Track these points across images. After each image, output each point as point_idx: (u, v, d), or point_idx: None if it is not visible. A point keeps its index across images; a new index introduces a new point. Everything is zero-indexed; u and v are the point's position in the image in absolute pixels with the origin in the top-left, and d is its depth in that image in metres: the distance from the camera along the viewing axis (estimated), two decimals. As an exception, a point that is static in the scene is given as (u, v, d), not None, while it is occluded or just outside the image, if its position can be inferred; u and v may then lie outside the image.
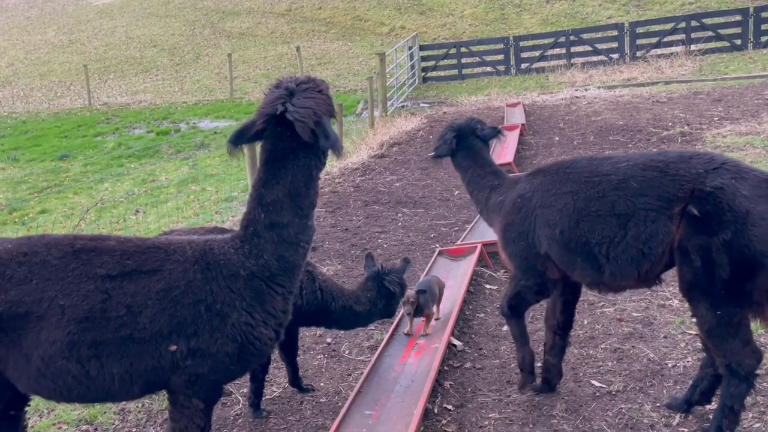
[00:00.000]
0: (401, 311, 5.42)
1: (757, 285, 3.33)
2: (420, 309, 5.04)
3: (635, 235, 3.57)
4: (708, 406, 4.02)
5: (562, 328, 4.24)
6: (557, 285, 4.14)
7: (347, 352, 5.34)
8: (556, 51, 21.99)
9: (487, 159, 4.81)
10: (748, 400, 4.03)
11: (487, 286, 6.39)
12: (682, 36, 20.65)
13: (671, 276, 5.90)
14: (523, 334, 4.37)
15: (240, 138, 3.04)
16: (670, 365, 4.55)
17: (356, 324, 4.67)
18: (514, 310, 4.28)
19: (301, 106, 2.91)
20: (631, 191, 3.60)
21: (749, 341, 3.46)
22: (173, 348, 2.94)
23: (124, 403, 4.66)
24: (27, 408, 3.44)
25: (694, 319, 3.75)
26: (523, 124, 12.89)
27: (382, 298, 4.56)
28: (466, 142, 4.83)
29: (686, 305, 5.31)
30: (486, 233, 7.46)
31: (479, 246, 6.69)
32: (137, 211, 11.00)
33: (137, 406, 4.65)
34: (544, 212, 3.94)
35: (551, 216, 3.89)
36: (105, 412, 4.55)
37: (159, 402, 4.63)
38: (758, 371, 3.55)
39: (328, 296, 4.36)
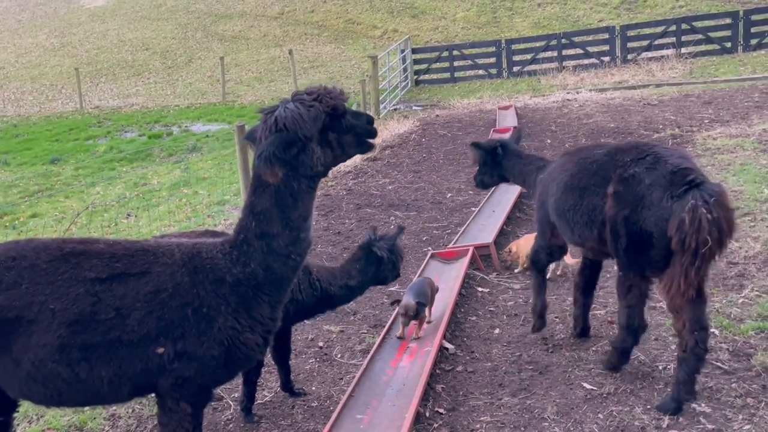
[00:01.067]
0: (394, 314, 5.42)
1: (648, 258, 4.08)
2: (415, 314, 5.05)
3: (587, 204, 4.39)
4: (698, 408, 4.04)
5: (582, 287, 5.04)
6: (564, 250, 5.19)
7: (339, 355, 5.33)
8: (548, 54, 22.05)
9: (527, 153, 5.92)
10: (738, 401, 4.06)
11: (479, 289, 6.40)
12: (673, 39, 20.75)
13: (662, 278, 5.92)
14: (540, 286, 5.20)
15: (249, 137, 3.07)
16: (660, 367, 4.57)
17: (353, 298, 4.69)
18: (535, 265, 5.22)
19: (276, 114, 2.88)
20: (592, 171, 4.42)
21: (633, 306, 4.28)
22: (160, 350, 2.93)
23: (114, 408, 4.64)
24: (15, 414, 3.42)
25: None
26: (515, 127, 12.92)
27: (371, 264, 4.54)
28: (506, 149, 5.65)
29: (677, 307, 5.35)
30: (478, 236, 7.48)
31: (471, 249, 6.70)
32: (129, 215, 10.95)
33: (127, 412, 4.62)
34: (551, 186, 4.82)
35: (553, 189, 4.76)
36: (95, 418, 4.53)
37: (149, 407, 4.61)
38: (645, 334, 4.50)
39: (326, 284, 4.37)
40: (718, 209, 3.74)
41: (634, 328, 4.34)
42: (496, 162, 5.62)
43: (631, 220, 4.04)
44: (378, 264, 4.56)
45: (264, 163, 2.81)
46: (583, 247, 4.79)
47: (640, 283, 4.21)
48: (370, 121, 3.08)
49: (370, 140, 3.09)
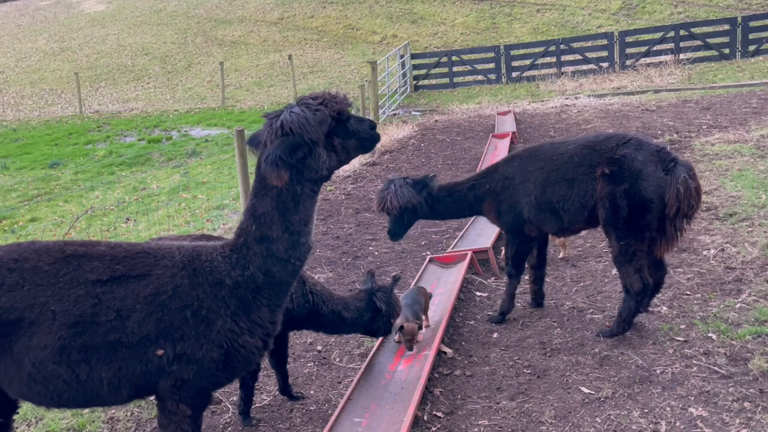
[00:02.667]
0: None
1: (647, 223, 4.74)
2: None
3: (579, 191, 4.95)
4: (695, 412, 4.05)
5: (537, 265, 5.67)
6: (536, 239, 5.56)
7: (337, 359, 5.34)
8: (547, 60, 22.12)
9: (446, 184, 5.84)
10: (735, 405, 4.07)
11: (478, 294, 6.41)
12: (671, 45, 20.83)
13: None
14: (513, 294, 5.65)
15: (251, 142, 3.10)
16: (658, 371, 4.58)
17: (341, 329, 4.64)
18: (518, 270, 5.53)
19: (281, 118, 2.91)
20: (575, 163, 4.98)
21: (641, 269, 4.83)
22: (160, 352, 2.94)
23: (112, 411, 4.64)
24: (15, 416, 3.43)
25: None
26: (513, 132, 12.95)
27: (368, 311, 4.54)
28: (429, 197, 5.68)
29: (675, 312, 5.38)
30: (476, 241, 7.50)
31: (470, 253, 6.71)
32: (128, 219, 10.96)
33: (126, 415, 4.63)
34: (520, 189, 5.24)
35: (528, 189, 5.18)
36: (94, 421, 4.53)
37: (148, 410, 4.62)
38: (645, 296, 4.96)
39: (319, 300, 4.36)
40: (696, 180, 4.74)
41: (643, 290, 4.86)
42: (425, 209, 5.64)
43: (632, 191, 4.71)
44: (375, 313, 4.56)
45: (270, 167, 2.83)
46: (568, 231, 5.33)
47: (641, 246, 4.81)
48: (372, 126, 3.13)
49: (373, 143, 3.15)
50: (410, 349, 5.00)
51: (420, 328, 5.09)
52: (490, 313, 5.89)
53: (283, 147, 2.85)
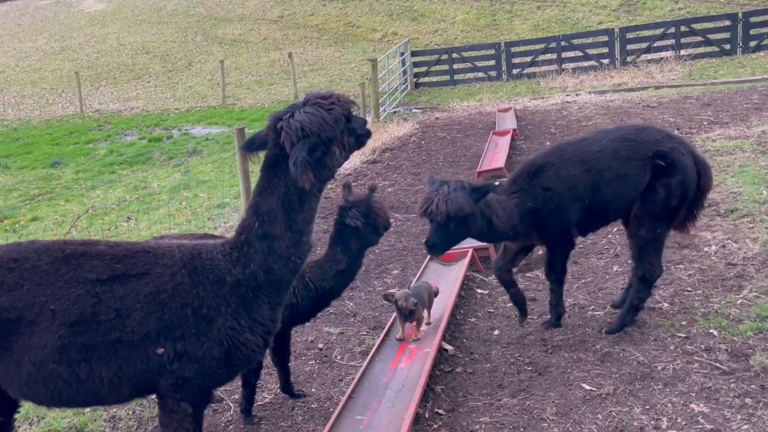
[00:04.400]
0: (393, 316, 5.43)
1: (684, 209, 5.08)
2: (410, 313, 5.04)
3: (631, 184, 4.97)
4: (696, 408, 4.05)
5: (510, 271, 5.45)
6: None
7: (339, 357, 5.34)
8: (548, 56, 22.08)
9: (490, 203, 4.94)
10: (737, 401, 4.07)
11: (479, 291, 6.41)
12: (672, 41, 20.79)
13: (660, 280, 5.95)
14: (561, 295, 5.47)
15: (248, 147, 3.08)
16: (659, 368, 4.57)
17: (351, 278, 4.50)
18: (564, 274, 5.34)
19: (298, 119, 2.91)
20: (624, 157, 4.97)
21: (660, 259, 5.09)
22: (160, 351, 2.95)
23: (114, 410, 4.65)
24: (16, 415, 3.44)
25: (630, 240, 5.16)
26: (514, 130, 12.94)
27: (351, 237, 4.38)
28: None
29: (676, 308, 5.37)
30: (477, 238, 7.48)
31: (470, 251, 6.71)
32: (129, 218, 10.97)
33: (128, 413, 4.63)
34: (567, 194, 4.97)
35: (578, 193, 4.97)
36: (95, 420, 4.54)
37: (150, 409, 4.62)
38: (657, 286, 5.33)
39: (319, 282, 4.32)
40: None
41: (655, 278, 5.10)
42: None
43: (684, 181, 4.94)
44: (357, 234, 4.37)
45: (300, 170, 2.85)
46: (598, 228, 5.46)
47: (668, 233, 5.15)
48: (365, 122, 3.26)
49: (367, 140, 3.26)
50: (403, 320, 5.04)
51: (414, 312, 5.05)
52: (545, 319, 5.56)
53: (308, 148, 2.89)
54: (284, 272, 3.09)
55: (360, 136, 3.18)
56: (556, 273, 5.26)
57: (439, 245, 4.68)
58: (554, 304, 5.37)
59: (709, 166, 5.23)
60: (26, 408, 4.59)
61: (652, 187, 4.93)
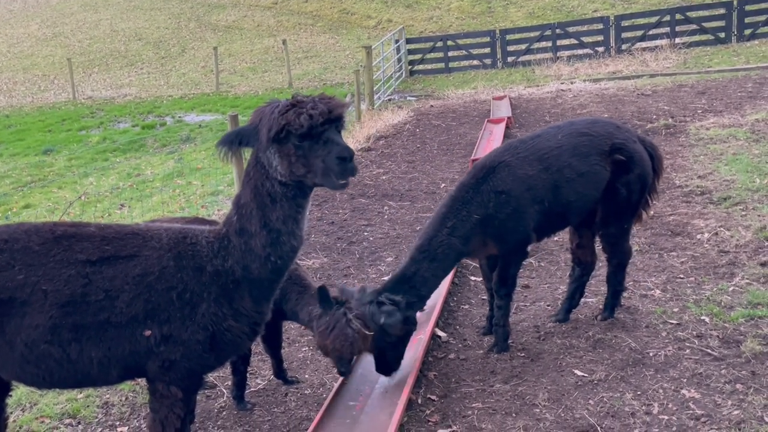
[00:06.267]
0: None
1: (643, 199, 5.02)
2: None
3: (593, 180, 4.81)
4: (687, 393, 4.07)
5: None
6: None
7: (332, 344, 5.34)
8: (543, 44, 22.01)
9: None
10: (728, 387, 4.10)
11: (472, 278, 6.42)
12: (667, 29, 20.74)
13: (652, 267, 5.97)
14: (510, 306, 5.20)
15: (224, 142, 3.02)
16: (651, 354, 4.60)
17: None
18: (513, 286, 5.03)
19: (264, 108, 2.89)
20: (583, 153, 4.80)
21: (629, 241, 5.14)
22: (147, 333, 2.95)
23: (107, 396, 4.65)
24: (8, 399, 3.44)
25: (600, 240, 5.11)
26: (509, 117, 12.93)
27: None
28: None
29: (668, 295, 5.39)
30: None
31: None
32: (122, 206, 10.92)
33: (120, 400, 4.63)
34: (526, 196, 4.71)
35: (537, 194, 4.72)
36: (88, 406, 4.54)
37: (143, 395, 4.62)
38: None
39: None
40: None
41: (628, 260, 5.16)
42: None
43: (642, 173, 4.87)
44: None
45: (217, 147, 2.94)
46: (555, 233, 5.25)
47: (633, 221, 5.15)
48: (341, 156, 2.74)
49: (338, 179, 2.79)
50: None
51: None
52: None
53: (237, 131, 2.93)
54: (263, 272, 2.99)
55: (327, 169, 2.76)
56: (507, 286, 4.82)
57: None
58: (501, 324, 4.87)
59: (657, 145, 5.21)
60: (19, 394, 4.59)
61: (614, 187, 4.81)
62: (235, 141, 2.91)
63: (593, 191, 4.80)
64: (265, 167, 2.90)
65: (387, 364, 4.37)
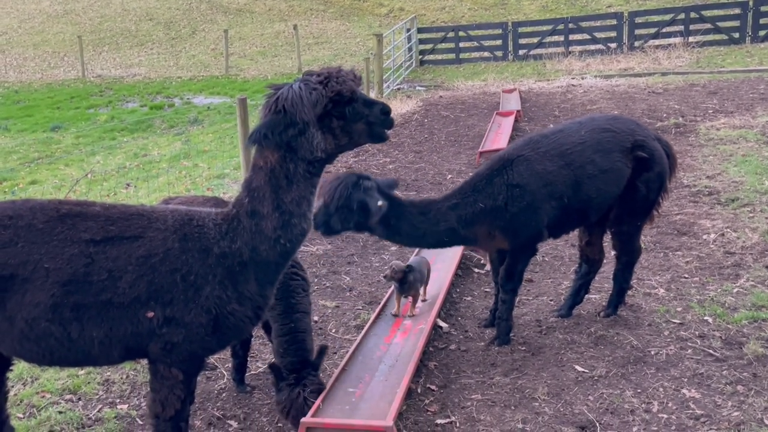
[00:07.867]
0: (389, 291, 5.44)
1: (659, 197, 5.01)
2: (407, 286, 5.03)
3: (614, 176, 4.77)
4: (688, 393, 4.07)
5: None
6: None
7: (334, 330, 5.35)
8: (555, 38, 21.86)
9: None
10: (728, 388, 4.09)
11: (476, 270, 6.41)
12: (681, 27, 20.59)
13: (657, 266, 5.95)
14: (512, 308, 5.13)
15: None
16: (652, 352, 4.59)
17: None
18: (520, 282, 4.98)
19: (281, 92, 2.86)
20: (606, 149, 4.74)
21: (639, 240, 5.15)
22: (150, 314, 2.94)
23: (108, 373, 4.67)
24: (9, 373, 3.45)
25: (612, 239, 5.10)
26: (518, 111, 12.86)
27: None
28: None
29: (672, 294, 5.38)
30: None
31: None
32: (128, 185, 10.93)
33: (121, 377, 4.65)
34: (542, 191, 4.66)
35: (556, 189, 4.67)
36: (89, 383, 4.55)
37: (143, 374, 4.64)
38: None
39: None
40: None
41: (637, 259, 5.17)
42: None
43: (661, 172, 4.88)
44: None
45: (249, 143, 2.86)
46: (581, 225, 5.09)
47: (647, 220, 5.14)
48: (385, 110, 2.95)
49: (384, 130, 2.98)
50: (398, 293, 5.08)
51: (407, 280, 5.03)
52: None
53: (271, 125, 2.81)
54: (271, 254, 2.99)
55: (371, 125, 2.92)
56: (514, 282, 4.82)
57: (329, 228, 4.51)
58: (504, 317, 4.88)
59: (671, 144, 5.17)
60: (20, 368, 4.61)
61: (633, 185, 4.79)
62: (284, 132, 2.82)
63: (614, 188, 4.76)
64: (295, 149, 2.87)
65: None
